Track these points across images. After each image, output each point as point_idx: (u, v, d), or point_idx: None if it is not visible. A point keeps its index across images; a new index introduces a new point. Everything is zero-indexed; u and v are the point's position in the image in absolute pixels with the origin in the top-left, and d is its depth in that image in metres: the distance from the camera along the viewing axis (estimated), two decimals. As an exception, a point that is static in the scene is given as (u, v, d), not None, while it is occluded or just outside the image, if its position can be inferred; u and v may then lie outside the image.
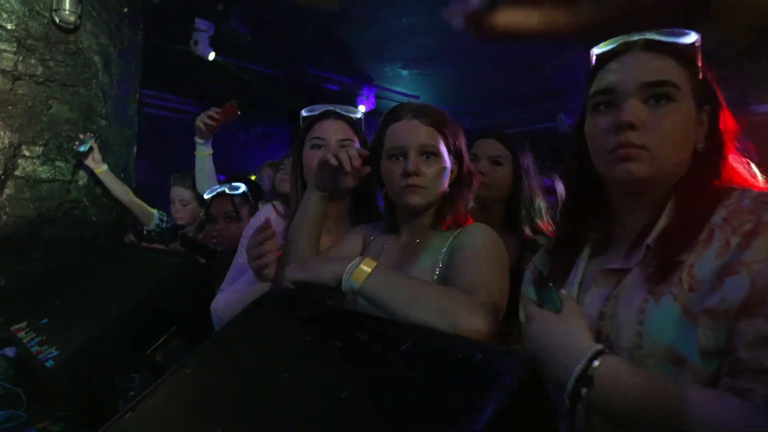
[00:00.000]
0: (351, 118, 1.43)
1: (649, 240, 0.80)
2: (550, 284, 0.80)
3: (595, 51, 0.89)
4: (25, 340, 1.77)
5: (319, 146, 1.36)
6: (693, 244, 0.75)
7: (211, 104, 2.37)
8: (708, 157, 0.82)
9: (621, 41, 0.86)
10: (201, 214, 2.58)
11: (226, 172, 3.12)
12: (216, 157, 2.44)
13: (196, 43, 3.87)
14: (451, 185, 1.19)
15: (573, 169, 0.95)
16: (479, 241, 1.10)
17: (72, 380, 1.53)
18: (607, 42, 0.87)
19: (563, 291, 0.82)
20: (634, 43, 0.84)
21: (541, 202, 1.67)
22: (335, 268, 1.01)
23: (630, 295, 0.79)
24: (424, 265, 1.13)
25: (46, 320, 1.86)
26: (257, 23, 3.88)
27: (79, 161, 2.48)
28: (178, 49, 3.90)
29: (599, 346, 0.70)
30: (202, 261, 1.93)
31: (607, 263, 0.87)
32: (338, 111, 1.42)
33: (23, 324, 1.91)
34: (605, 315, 0.81)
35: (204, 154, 2.34)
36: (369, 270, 0.97)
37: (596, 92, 0.85)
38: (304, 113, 1.49)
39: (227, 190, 1.91)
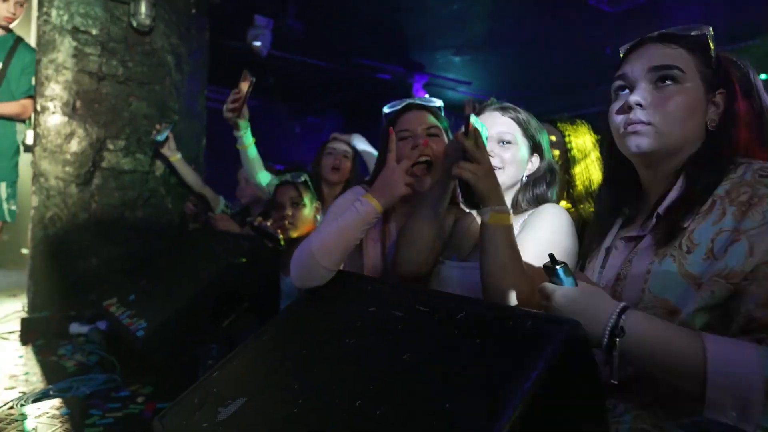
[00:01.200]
0: (433, 107, 1.48)
1: (660, 209, 0.90)
2: (562, 264, 0.88)
3: (622, 48, 1.01)
4: (116, 314, 1.98)
5: (406, 138, 1.40)
6: (696, 213, 0.84)
7: (268, 97, 2.43)
8: (719, 134, 0.90)
9: (641, 38, 0.96)
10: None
11: (283, 163, 3.28)
12: (272, 149, 2.58)
13: (255, 38, 4.06)
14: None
15: (607, 151, 1.05)
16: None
17: (159, 349, 1.72)
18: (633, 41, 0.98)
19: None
20: (650, 37, 0.95)
21: None
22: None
23: (641, 258, 0.90)
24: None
25: (133, 297, 2.07)
26: (311, 18, 4.01)
27: (156, 152, 2.68)
28: (236, 46, 4.09)
29: (623, 303, 0.80)
30: (270, 245, 2.08)
31: (629, 232, 0.97)
32: (420, 103, 1.48)
33: (113, 300, 2.13)
34: (620, 276, 0.91)
35: (246, 145, 2.26)
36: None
37: (615, 79, 0.96)
38: (386, 110, 1.56)
39: (290, 178, 2.05)
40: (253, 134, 2.25)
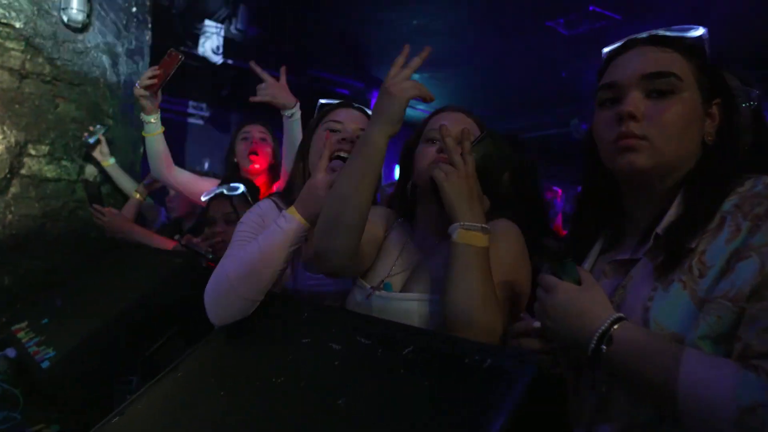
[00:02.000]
0: (366, 111, 1.40)
1: (659, 229, 0.79)
2: (569, 258, 0.82)
3: (606, 50, 0.91)
4: (24, 340, 1.73)
5: (336, 130, 1.30)
6: (703, 232, 0.75)
7: (221, 107, 2.26)
8: (719, 151, 0.81)
9: (629, 39, 0.87)
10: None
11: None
12: (221, 160, 2.38)
13: (205, 45, 3.87)
14: None
15: (586, 166, 0.95)
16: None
17: (67, 381, 1.48)
18: (618, 42, 0.89)
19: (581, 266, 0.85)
20: (640, 39, 0.85)
21: None
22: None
23: (638, 284, 0.79)
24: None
25: (46, 320, 1.82)
26: (266, 25, 3.86)
27: (87, 155, 2.43)
28: (187, 51, 3.89)
29: (620, 314, 0.74)
30: (204, 264, 1.88)
31: (617, 255, 0.87)
32: (357, 105, 1.42)
33: (24, 324, 1.87)
34: (613, 304, 0.80)
35: (154, 134, 2.03)
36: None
37: (601, 87, 0.86)
38: (322, 101, 1.48)
39: (226, 191, 1.85)
40: (207, 144, 2.06)
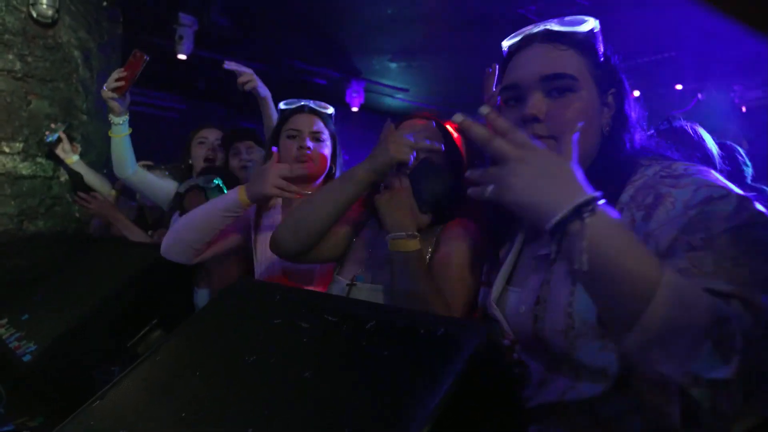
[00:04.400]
0: (323, 113, 1.61)
1: (548, 226, 0.79)
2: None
3: (505, 44, 0.94)
4: (4, 336, 1.75)
5: (294, 137, 1.54)
6: None
7: (197, 99, 2.28)
8: (613, 137, 0.86)
9: (524, 34, 0.89)
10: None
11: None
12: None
13: (180, 38, 3.84)
14: None
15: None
16: None
17: (49, 374, 1.52)
18: (515, 34, 0.91)
19: None
20: (535, 36, 0.88)
21: None
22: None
23: (560, 280, 0.82)
24: None
25: (26, 316, 1.84)
26: (240, 17, 3.85)
27: (50, 153, 2.40)
28: (160, 44, 3.86)
29: (599, 193, 0.67)
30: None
31: (539, 249, 0.89)
32: (312, 106, 1.60)
33: (4, 320, 1.89)
34: (540, 300, 0.84)
35: (121, 135, 2.05)
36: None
37: (504, 88, 0.89)
38: (282, 105, 1.67)
39: (201, 184, 1.88)
40: (184, 138, 2.10)
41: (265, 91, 2.02)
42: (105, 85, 1.96)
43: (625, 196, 0.80)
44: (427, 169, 1.13)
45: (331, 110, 1.66)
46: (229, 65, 1.99)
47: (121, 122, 2.02)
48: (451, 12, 4.11)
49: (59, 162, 2.44)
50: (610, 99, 0.87)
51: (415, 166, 1.13)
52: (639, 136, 0.88)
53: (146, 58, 1.85)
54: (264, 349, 0.86)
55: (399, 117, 1.29)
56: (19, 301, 2.00)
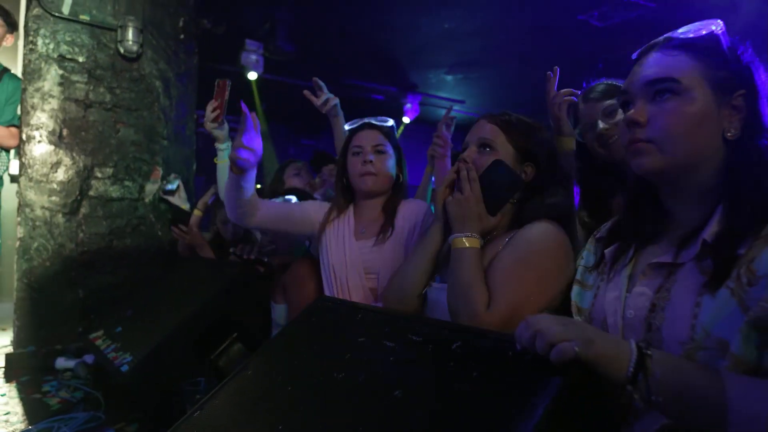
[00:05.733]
0: (383, 127, 1.70)
1: (706, 235, 0.78)
2: None
3: (634, 56, 0.94)
4: (102, 347, 1.90)
5: (357, 153, 1.64)
6: (754, 238, 0.73)
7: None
8: (743, 144, 0.81)
9: (649, 44, 0.90)
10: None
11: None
12: (267, 172, 2.53)
13: (247, 63, 4.05)
14: None
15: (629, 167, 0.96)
16: None
17: (144, 384, 1.63)
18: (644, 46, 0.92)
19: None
20: (655, 44, 0.89)
21: None
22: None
23: (684, 289, 0.78)
24: None
25: (119, 328, 1.99)
26: (301, 41, 4.01)
27: (163, 199, 2.69)
28: (227, 69, 4.09)
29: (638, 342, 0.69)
30: (261, 270, 2.01)
31: (657, 256, 0.86)
32: (372, 122, 1.71)
33: (100, 332, 2.05)
34: (656, 308, 0.80)
35: (226, 161, 2.09)
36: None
37: (620, 93, 0.91)
38: (346, 126, 1.80)
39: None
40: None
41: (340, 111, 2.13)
42: (204, 119, 2.06)
43: None
44: (495, 173, 1.15)
45: (390, 122, 1.74)
46: (313, 87, 2.13)
47: (224, 148, 2.12)
48: (510, 23, 4.10)
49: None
50: (739, 101, 0.82)
51: (484, 170, 1.16)
52: None
53: (229, 83, 1.98)
54: (352, 367, 0.90)
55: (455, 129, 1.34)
56: (112, 315, 2.17)
